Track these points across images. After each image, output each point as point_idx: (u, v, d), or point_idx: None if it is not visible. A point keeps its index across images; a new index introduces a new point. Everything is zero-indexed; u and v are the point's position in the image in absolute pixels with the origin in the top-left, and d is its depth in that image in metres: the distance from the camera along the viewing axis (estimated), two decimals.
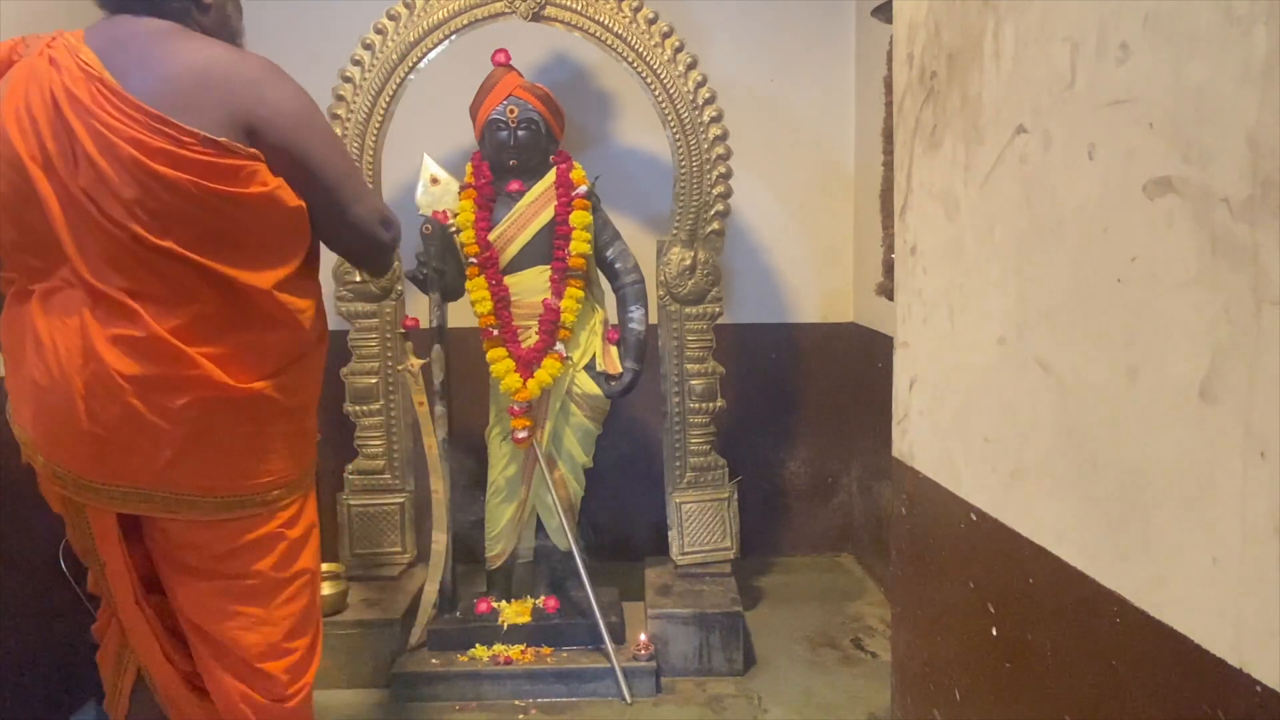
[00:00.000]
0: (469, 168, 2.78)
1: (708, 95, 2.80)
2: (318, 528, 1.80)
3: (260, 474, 1.63)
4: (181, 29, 1.58)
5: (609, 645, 2.59)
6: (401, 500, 2.99)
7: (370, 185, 1.77)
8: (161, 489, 1.56)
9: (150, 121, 1.44)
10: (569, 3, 2.76)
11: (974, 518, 1.30)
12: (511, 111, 2.65)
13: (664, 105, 2.79)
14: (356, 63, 2.77)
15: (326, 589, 2.70)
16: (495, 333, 2.68)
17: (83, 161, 1.45)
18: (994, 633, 1.25)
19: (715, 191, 2.86)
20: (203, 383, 1.52)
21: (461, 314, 2.85)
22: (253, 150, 1.52)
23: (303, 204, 1.60)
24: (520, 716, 2.56)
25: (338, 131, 2.73)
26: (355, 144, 2.75)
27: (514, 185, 2.72)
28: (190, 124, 1.45)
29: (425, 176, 2.78)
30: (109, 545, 1.63)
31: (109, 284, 1.47)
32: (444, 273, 2.60)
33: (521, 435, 2.66)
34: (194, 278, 1.51)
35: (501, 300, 2.68)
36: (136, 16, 1.56)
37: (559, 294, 2.67)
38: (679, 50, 2.78)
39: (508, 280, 2.69)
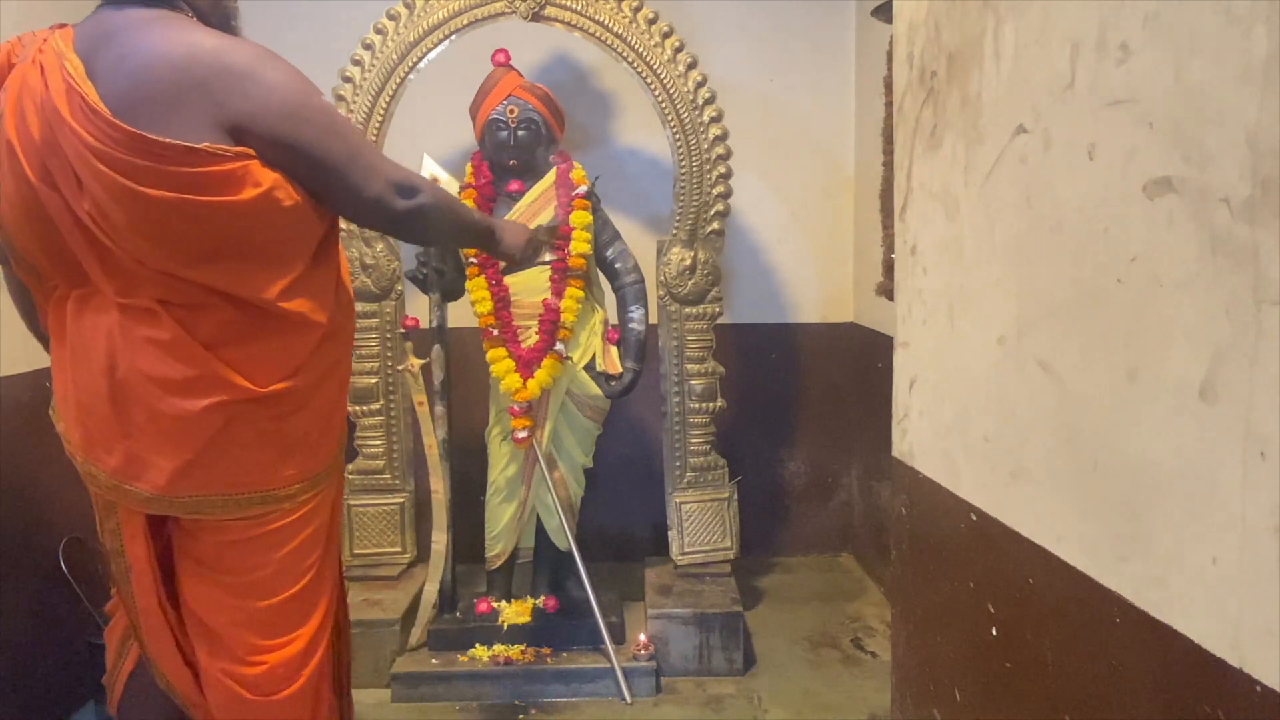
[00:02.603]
0: (469, 168, 2.78)
1: (708, 95, 2.80)
2: (338, 522, 1.80)
3: (283, 470, 1.63)
4: (170, 15, 1.49)
5: (609, 645, 2.59)
6: (401, 500, 2.99)
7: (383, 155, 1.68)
8: (184, 492, 1.56)
9: (128, 140, 1.37)
10: (569, 3, 2.76)
11: (974, 518, 1.30)
12: (511, 111, 2.65)
13: (664, 105, 2.79)
14: (356, 63, 2.77)
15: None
16: (495, 333, 2.68)
17: (85, 185, 1.41)
18: (994, 633, 1.25)
19: (715, 191, 2.86)
20: (225, 386, 1.51)
21: (461, 314, 2.86)
22: (241, 149, 1.43)
23: (300, 200, 1.51)
24: (520, 716, 2.56)
25: None
26: None
27: (514, 185, 2.72)
28: (169, 133, 1.38)
29: (425, 176, 2.78)
30: (136, 546, 1.62)
31: (133, 297, 1.47)
32: (444, 273, 2.60)
33: (521, 435, 2.66)
34: (203, 293, 1.49)
35: (501, 300, 2.68)
36: (125, 6, 1.48)
37: (559, 294, 2.67)
38: (679, 50, 2.78)
39: (508, 280, 2.69)
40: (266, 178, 1.46)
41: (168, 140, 1.37)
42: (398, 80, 2.77)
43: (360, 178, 1.55)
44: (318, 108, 1.53)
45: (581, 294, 2.69)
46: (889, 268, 3.10)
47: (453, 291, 2.69)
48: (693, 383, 2.94)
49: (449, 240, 1.84)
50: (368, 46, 2.76)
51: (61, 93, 1.40)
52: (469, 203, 2.71)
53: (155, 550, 1.65)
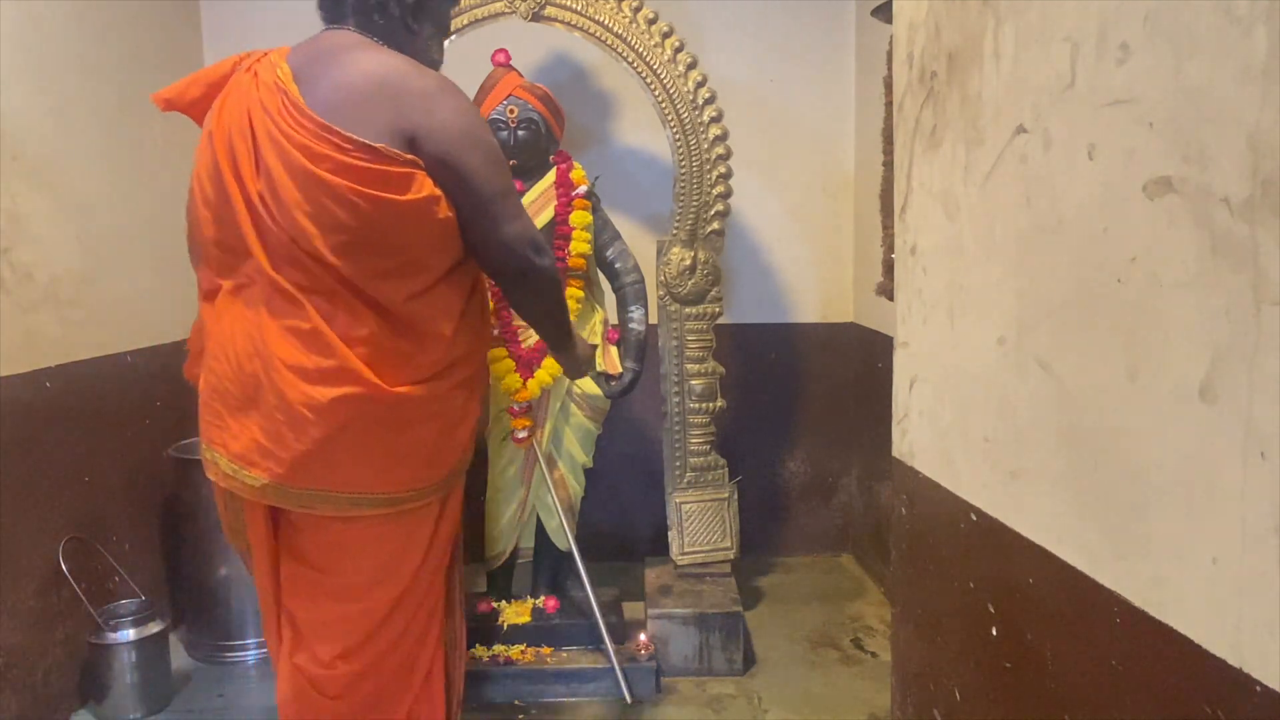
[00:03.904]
0: None
1: (708, 95, 2.80)
2: (452, 534, 1.86)
3: (395, 475, 1.69)
4: (377, 44, 1.70)
5: (609, 645, 2.59)
6: None
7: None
8: (297, 483, 1.62)
9: (318, 129, 1.54)
10: (569, 3, 2.75)
11: (974, 518, 1.30)
12: (511, 111, 2.65)
13: (664, 105, 2.79)
14: None
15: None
16: (495, 333, 2.68)
17: (262, 166, 1.57)
18: (994, 633, 1.25)
19: (715, 191, 2.86)
20: (353, 378, 1.59)
21: None
22: (411, 157, 1.58)
23: (453, 217, 1.65)
24: (520, 716, 2.56)
25: None
26: None
27: (514, 185, 2.72)
28: (355, 132, 1.54)
29: None
30: (256, 531, 1.72)
31: (285, 278, 1.58)
32: None
33: (521, 435, 2.66)
34: (338, 283, 1.59)
35: (501, 300, 2.68)
36: (344, 30, 1.72)
37: None
38: (679, 50, 2.78)
39: None
40: (428, 188, 1.61)
41: (351, 134, 1.54)
42: None
43: (504, 214, 1.69)
44: (486, 141, 1.70)
45: (581, 294, 2.68)
46: (889, 268, 3.10)
47: None
48: (693, 383, 2.94)
49: (542, 312, 1.93)
50: None
51: (269, 87, 1.60)
52: None
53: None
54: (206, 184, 1.64)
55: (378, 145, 1.55)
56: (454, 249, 1.69)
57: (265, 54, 1.70)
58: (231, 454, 1.63)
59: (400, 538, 1.75)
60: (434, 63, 1.85)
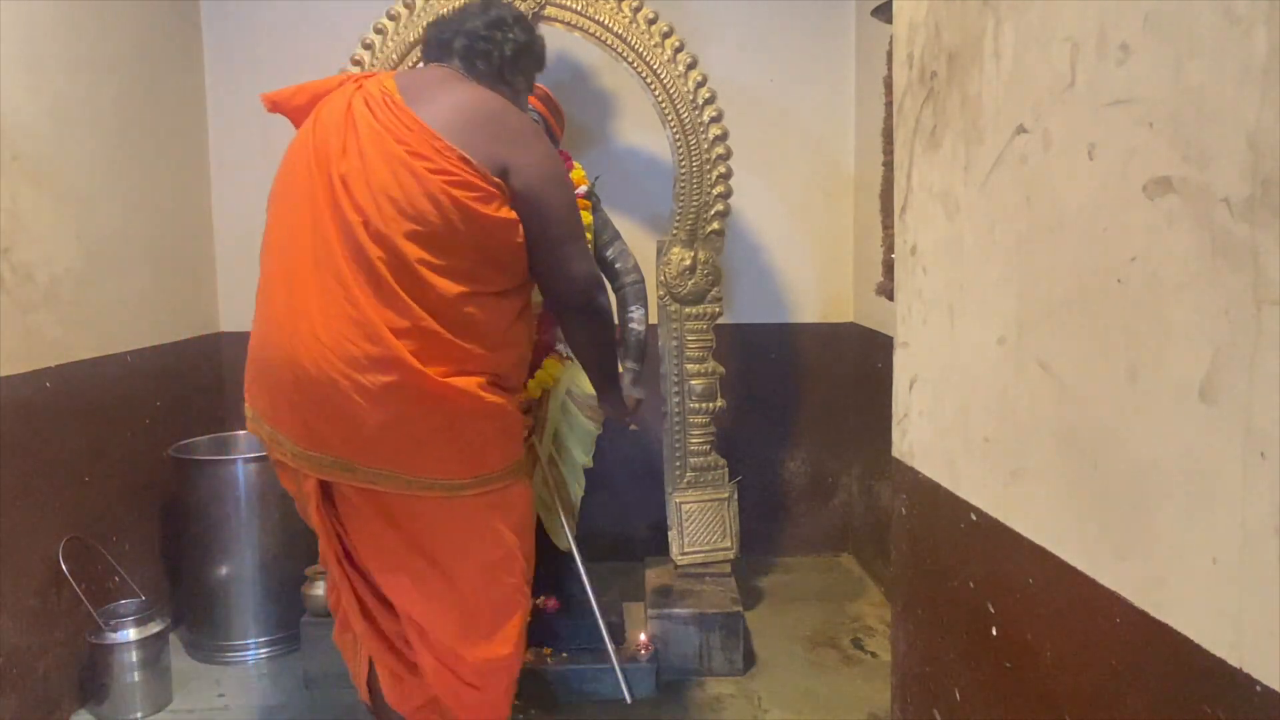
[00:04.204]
0: None
1: (708, 95, 2.80)
2: (518, 517, 1.93)
3: (449, 462, 1.78)
4: (476, 84, 1.87)
5: (609, 645, 2.59)
6: None
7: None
8: (364, 461, 1.73)
9: (422, 133, 1.70)
10: (569, 3, 2.76)
11: (974, 518, 1.30)
12: None
13: (664, 105, 2.79)
14: (356, 63, 2.77)
15: (326, 589, 2.70)
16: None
17: (351, 150, 1.70)
18: (994, 633, 1.25)
19: (715, 191, 2.86)
20: (401, 367, 1.67)
21: None
22: (497, 181, 1.73)
23: (523, 244, 1.79)
24: (520, 716, 2.56)
25: None
26: None
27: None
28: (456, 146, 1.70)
29: None
30: (313, 508, 1.81)
31: (343, 264, 1.67)
32: None
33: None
34: (399, 270, 1.67)
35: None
36: (448, 67, 1.90)
37: None
38: (679, 50, 2.78)
39: None
40: (508, 212, 1.76)
41: (450, 142, 1.70)
42: None
43: (575, 255, 1.87)
44: (568, 186, 1.88)
45: None
46: (889, 268, 3.10)
47: None
48: (693, 383, 2.94)
49: (594, 350, 2.09)
50: (368, 46, 2.76)
51: (376, 96, 1.75)
52: None
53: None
54: (288, 172, 1.78)
55: (474, 160, 1.70)
56: (517, 273, 1.83)
57: (371, 74, 1.87)
58: (295, 436, 1.74)
59: (475, 515, 1.85)
60: (524, 105, 2.05)
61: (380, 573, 1.85)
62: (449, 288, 1.71)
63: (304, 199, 1.73)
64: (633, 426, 2.67)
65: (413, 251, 1.67)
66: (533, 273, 1.86)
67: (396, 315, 1.67)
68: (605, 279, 1.91)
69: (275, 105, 1.91)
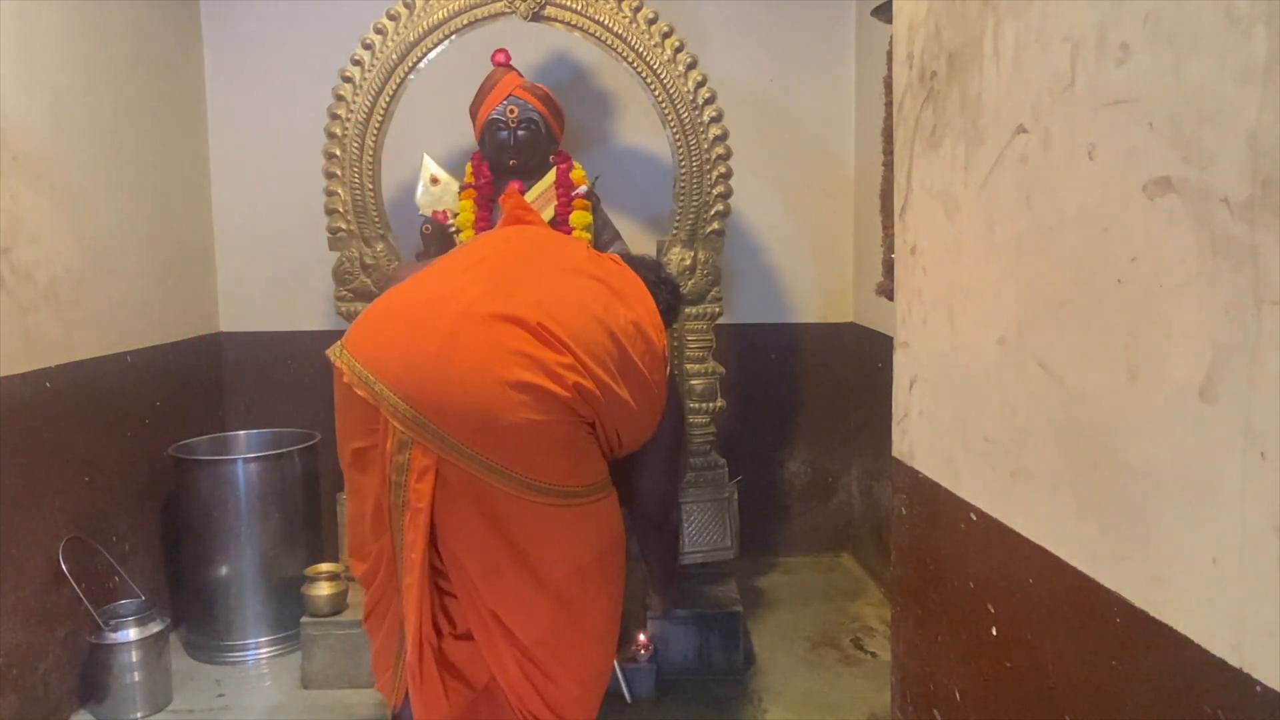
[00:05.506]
0: (469, 168, 2.78)
1: (708, 95, 2.80)
2: (609, 538, 1.98)
3: (557, 470, 1.84)
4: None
5: None
6: None
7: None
8: (484, 452, 1.76)
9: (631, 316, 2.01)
10: (569, 3, 2.75)
11: (974, 518, 1.30)
12: (511, 111, 2.65)
13: (664, 105, 2.79)
14: (356, 63, 2.77)
15: (326, 589, 2.70)
16: None
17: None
18: (994, 633, 1.25)
19: (715, 191, 2.86)
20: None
21: None
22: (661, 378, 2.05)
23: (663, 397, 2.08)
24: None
25: (335, 132, 2.74)
26: (355, 144, 2.75)
27: (514, 185, 2.72)
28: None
29: (425, 176, 2.78)
30: (423, 485, 1.78)
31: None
32: None
33: None
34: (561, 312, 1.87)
35: None
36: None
37: None
38: (679, 50, 2.78)
39: None
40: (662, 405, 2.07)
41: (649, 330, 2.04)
42: (398, 80, 2.76)
43: (672, 468, 2.22)
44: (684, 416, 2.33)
45: None
46: (889, 268, 3.10)
47: None
48: (693, 383, 2.94)
49: (661, 554, 2.42)
50: (368, 46, 2.76)
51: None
52: (469, 203, 2.71)
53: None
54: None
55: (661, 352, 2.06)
56: (657, 406, 2.06)
57: None
58: (419, 406, 1.76)
59: (580, 522, 1.91)
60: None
61: (476, 571, 1.84)
62: (598, 392, 1.87)
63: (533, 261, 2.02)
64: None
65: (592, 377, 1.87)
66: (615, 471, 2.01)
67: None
68: (678, 497, 2.33)
69: None
